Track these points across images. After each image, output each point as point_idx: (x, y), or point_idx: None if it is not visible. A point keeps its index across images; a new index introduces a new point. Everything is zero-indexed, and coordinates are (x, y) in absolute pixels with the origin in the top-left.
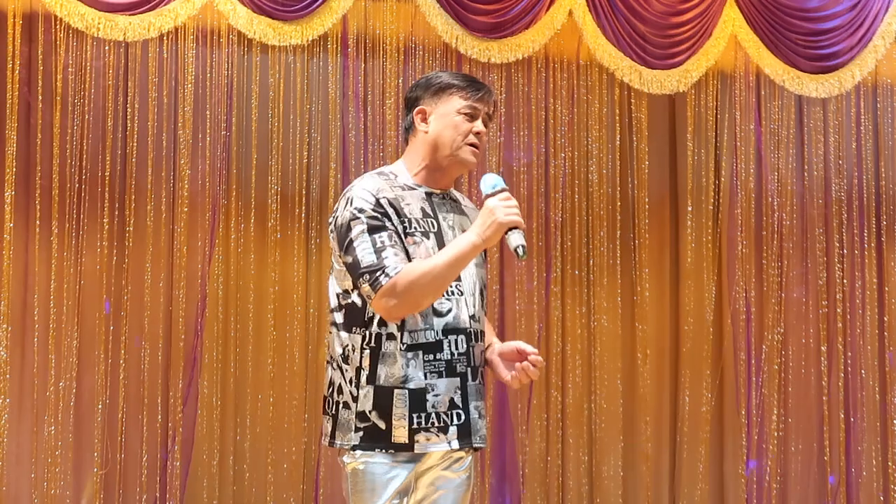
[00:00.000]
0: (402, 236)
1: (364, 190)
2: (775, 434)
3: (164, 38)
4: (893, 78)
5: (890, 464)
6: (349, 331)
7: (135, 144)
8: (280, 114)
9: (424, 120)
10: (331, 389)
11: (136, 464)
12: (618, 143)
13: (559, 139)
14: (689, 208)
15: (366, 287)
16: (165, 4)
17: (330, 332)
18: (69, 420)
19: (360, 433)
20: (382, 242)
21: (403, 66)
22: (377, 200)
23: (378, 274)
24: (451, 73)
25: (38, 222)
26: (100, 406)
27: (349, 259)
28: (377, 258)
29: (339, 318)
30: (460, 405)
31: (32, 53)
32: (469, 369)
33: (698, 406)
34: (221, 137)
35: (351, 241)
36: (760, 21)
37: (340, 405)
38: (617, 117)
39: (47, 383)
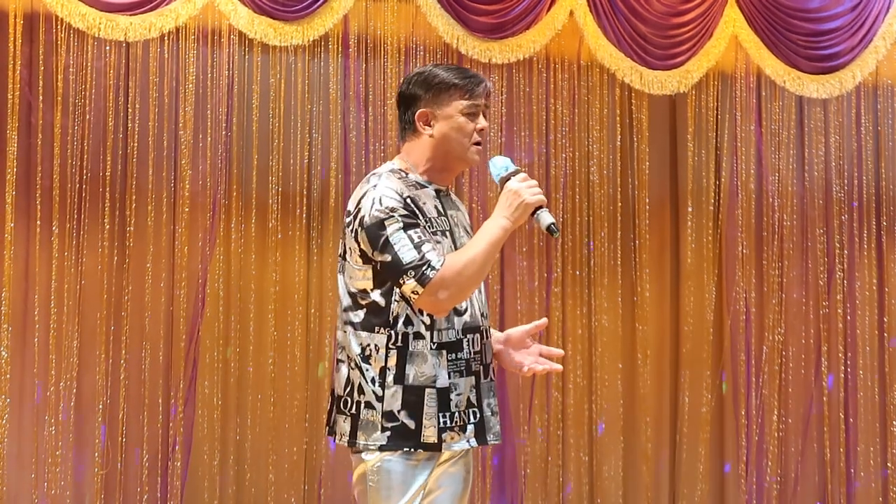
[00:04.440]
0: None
1: (390, 189)
2: (775, 434)
3: (165, 38)
4: (894, 79)
5: (889, 464)
6: (371, 330)
7: (135, 144)
8: (281, 114)
9: (428, 123)
10: (349, 389)
11: (137, 464)
12: (618, 143)
13: (560, 140)
14: (690, 209)
15: (411, 283)
16: (166, 4)
17: (344, 332)
18: (70, 420)
19: (388, 433)
20: (420, 237)
21: (404, 66)
22: (404, 200)
23: (424, 269)
24: (446, 68)
25: (38, 222)
26: (100, 406)
27: (387, 257)
28: (418, 253)
29: (355, 317)
30: (475, 403)
31: (33, 53)
32: (482, 367)
33: (698, 406)
34: (222, 137)
35: (387, 240)
36: (761, 22)
37: (362, 405)
38: (618, 118)
39: (48, 383)
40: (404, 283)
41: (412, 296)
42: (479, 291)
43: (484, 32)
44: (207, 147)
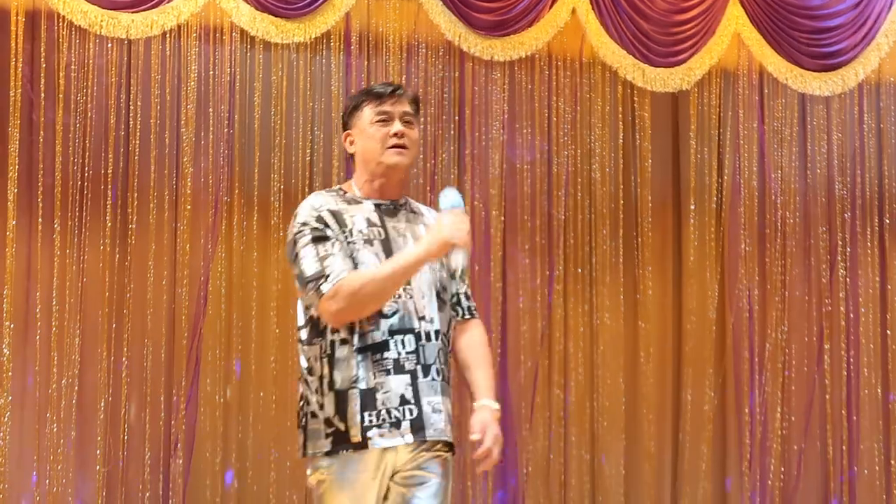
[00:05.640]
0: (346, 245)
1: (307, 206)
2: (778, 432)
3: (167, 35)
4: None
5: (892, 462)
6: (311, 344)
7: (137, 142)
8: (283, 111)
9: (351, 143)
10: (301, 403)
11: (139, 462)
12: (621, 141)
13: (562, 137)
14: (692, 206)
15: (311, 294)
16: (168, 2)
17: (297, 350)
18: (71, 418)
19: (330, 438)
20: (326, 251)
21: (406, 63)
22: (319, 215)
23: (321, 280)
24: (366, 87)
25: (40, 220)
26: (102, 404)
27: (297, 270)
28: (320, 265)
29: (304, 334)
30: (412, 401)
31: (35, 51)
32: (420, 367)
33: (701, 404)
34: (224, 135)
35: (298, 254)
36: (764, 19)
37: (309, 415)
38: (620, 115)
39: (49, 381)
40: (308, 293)
41: (313, 305)
42: (423, 296)
43: (486, 30)
44: (209, 144)
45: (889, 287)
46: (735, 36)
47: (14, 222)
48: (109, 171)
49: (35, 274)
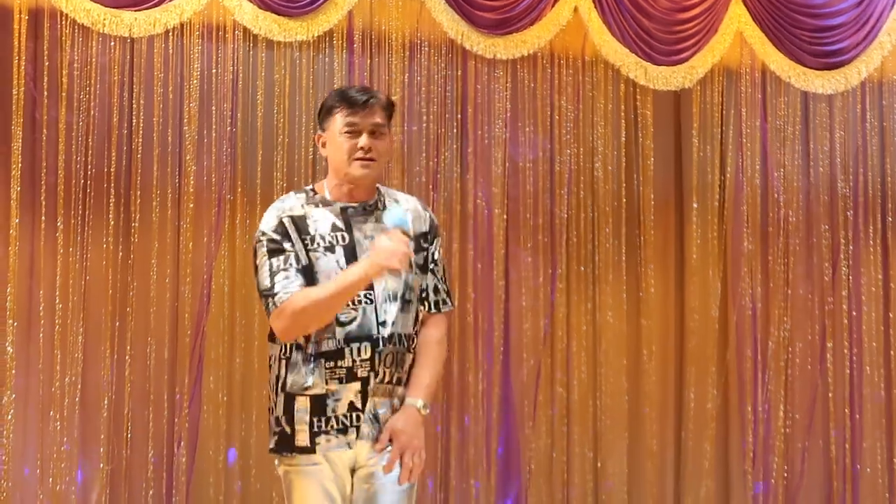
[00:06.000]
0: (305, 252)
1: (271, 212)
2: (782, 431)
3: (170, 33)
4: None
5: (895, 460)
6: (273, 341)
7: (140, 140)
8: (286, 110)
9: (323, 145)
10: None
11: (143, 459)
12: (623, 139)
13: (564, 135)
14: (695, 205)
15: (264, 308)
16: (171, 0)
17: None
18: (75, 416)
19: (276, 437)
20: (278, 266)
21: (409, 62)
22: (279, 221)
23: (269, 299)
24: (340, 90)
25: (43, 218)
26: (106, 402)
27: (256, 280)
28: (271, 282)
29: (271, 331)
30: (360, 408)
31: (38, 49)
32: (371, 373)
33: (703, 402)
34: (227, 133)
35: (256, 264)
36: (766, 17)
37: (270, 410)
38: (622, 114)
39: (53, 379)
40: (263, 306)
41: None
42: (385, 301)
43: (488, 28)
44: (212, 143)
45: (892, 285)
46: (737, 34)
47: (17, 220)
48: (112, 169)
49: (38, 272)
